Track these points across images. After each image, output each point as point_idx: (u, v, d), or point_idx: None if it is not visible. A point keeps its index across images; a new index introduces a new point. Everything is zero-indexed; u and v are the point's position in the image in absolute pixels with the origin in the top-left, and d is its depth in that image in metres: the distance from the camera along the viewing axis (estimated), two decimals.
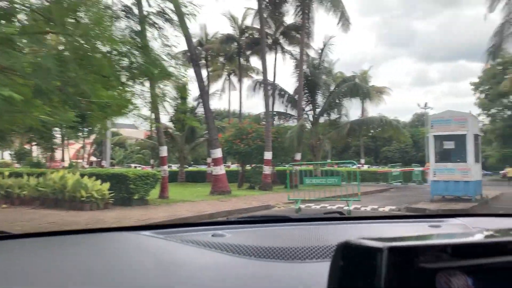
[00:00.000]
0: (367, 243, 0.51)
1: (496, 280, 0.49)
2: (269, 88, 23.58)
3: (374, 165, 54.29)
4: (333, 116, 26.50)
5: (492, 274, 0.50)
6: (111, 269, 0.95)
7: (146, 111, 12.23)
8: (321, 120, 26.75)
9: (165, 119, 24.30)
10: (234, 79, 36.64)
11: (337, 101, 25.81)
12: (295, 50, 27.30)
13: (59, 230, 1.41)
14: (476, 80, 43.90)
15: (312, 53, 27.77)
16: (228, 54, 30.23)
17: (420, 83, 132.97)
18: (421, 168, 30.17)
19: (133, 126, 19.49)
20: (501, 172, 37.44)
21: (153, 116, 15.69)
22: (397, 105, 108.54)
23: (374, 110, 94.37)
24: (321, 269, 0.61)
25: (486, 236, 0.60)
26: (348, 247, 0.53)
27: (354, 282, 0.50)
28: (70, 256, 1.09)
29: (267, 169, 20.43)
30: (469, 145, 14.50)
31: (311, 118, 26.51)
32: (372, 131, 29.31)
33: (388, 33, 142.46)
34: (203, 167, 34.70)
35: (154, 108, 11.70)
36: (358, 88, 25.73)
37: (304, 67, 25.65)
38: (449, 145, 15.06)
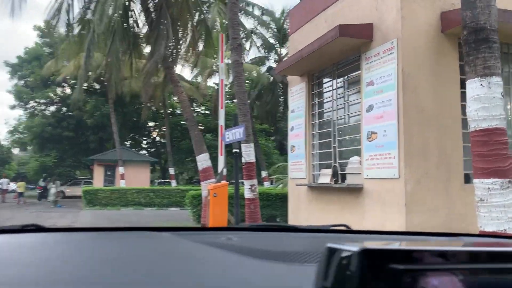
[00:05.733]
0: (345, 246, 0.59)
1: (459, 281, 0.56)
2: None
3: None
4: None
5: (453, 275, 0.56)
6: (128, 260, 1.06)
7: None
8: None
9: None
10: None
11: None
12: None
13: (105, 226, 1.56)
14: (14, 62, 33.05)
15: None
16: None
17: None
18: None
19: None
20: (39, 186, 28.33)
21: None
22: None
23: None
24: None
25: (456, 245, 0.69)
26: (331, 250, 0.61)
27: (334, 281, 0.58)
28: (100, 248, 1.20)
29: None
30: None
31: None
32: None
33: None
34: None
35: None
36: None
37: None
38: None
